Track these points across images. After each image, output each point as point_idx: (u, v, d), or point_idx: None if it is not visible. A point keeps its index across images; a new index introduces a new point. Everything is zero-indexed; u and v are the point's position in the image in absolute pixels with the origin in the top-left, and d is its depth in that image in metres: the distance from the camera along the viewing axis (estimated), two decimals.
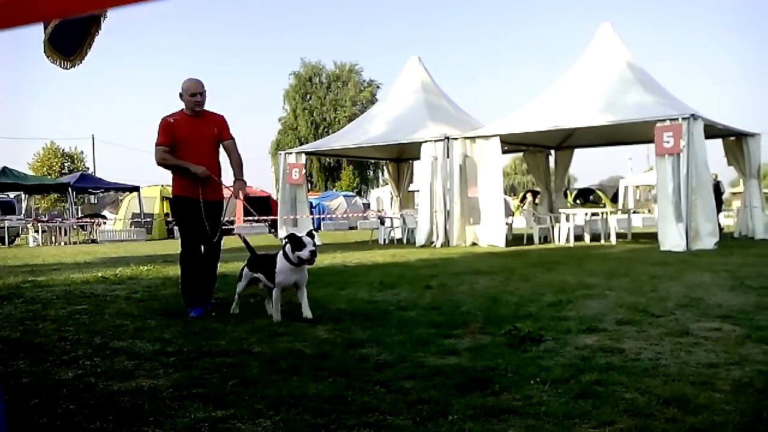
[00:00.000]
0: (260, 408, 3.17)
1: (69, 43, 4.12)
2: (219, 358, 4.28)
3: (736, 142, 16.91)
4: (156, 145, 6.13)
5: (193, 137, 6.15)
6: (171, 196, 6.12)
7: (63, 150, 55.11)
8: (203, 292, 6.27)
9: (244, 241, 6.61)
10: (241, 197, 6.35)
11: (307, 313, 5.60)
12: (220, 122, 6.39)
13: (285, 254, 5.60)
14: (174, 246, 20.33)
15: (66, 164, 54.17)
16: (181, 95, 6.20)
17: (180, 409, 3.19)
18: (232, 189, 6.46)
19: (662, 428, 2.79)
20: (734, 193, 37.71)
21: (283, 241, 5.72)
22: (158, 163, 6.17)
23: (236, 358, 4.28)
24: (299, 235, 5.62)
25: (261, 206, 33.19)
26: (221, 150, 6.46)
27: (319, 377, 3.73)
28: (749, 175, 16.86)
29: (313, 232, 5.95)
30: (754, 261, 10.34)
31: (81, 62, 4.21)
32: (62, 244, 25.11)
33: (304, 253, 5.48)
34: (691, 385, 3.45)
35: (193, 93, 6.14)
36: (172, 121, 6.16)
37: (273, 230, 26.30)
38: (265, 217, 28.28)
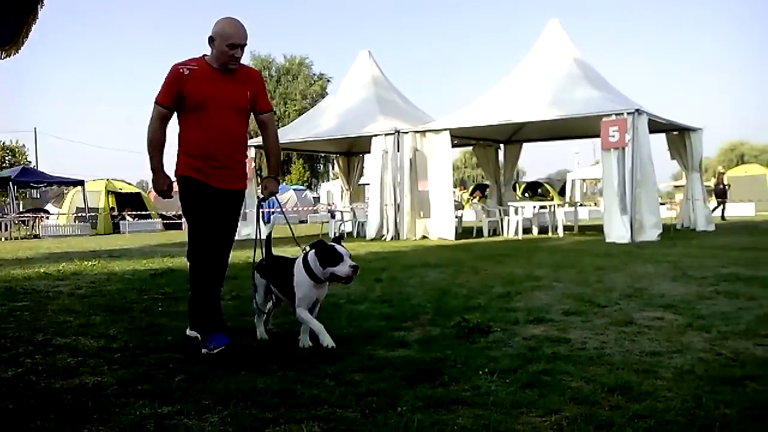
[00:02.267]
0: (207, 403, 3.13)
1: (4, 32, 3.99)
2: (165, 353, 4.21)
3: (678, 136, 17.32)
4: (155, 103, 4.35)
5: (215, 99, 4.29)
6: (176, 177, 4.42)
7: (3, 143, 53.56)
8: (219, 311, 4.43)
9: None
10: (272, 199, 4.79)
11: (305, 340, 4.33)
12: (259, 83, 4.56)
13: (306, 266, 4.23)
14: (119, 240, 19.97)
15: (7, 158, 52.63)
16: (211, 40, 4.27)
17: (125, 406, 3.13)
18: (262, 185, 4.70)
19: (606, 416, 2.84)
20: (676, 186, 38.76)
21: (305, 249, 4.36)
22: (148, 135, 4.38)
23: (183, 353, 4.21)
24: (330, 243, 4.22)
25: None
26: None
27: (268, 371, 3.69)
28: (691, 168, 17.29)
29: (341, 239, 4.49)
30: (696, 252, 10.61)
31: (17, 52, 4.08)
32: (2, 239, 24.39)
33: (343, 270, 4.09)
34: (635, 373, 3.52)
35: (234, 44, 4.23)
36: (185, 72, 4.26)
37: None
38: None
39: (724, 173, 26.63)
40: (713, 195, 25.04)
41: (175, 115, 4.41)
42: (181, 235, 22.76)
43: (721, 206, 24.62)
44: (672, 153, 17.66)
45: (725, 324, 4.74)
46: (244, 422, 2.87)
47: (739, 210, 28.04)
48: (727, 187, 25.33)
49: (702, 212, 17.24)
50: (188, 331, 4.67)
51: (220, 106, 4.30)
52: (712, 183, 27.42)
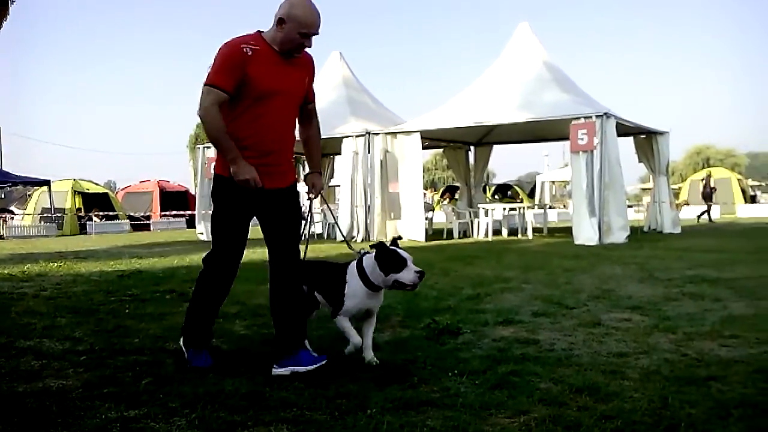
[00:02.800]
0: (175, 406, 3.09)
1: None
2: (132, 356, 4.15)
3: (646, 139, 17.56)
4: (207, 84, 3.64)
5: (279, 88, 3.73)
6: (213, 175, 3.90)
7: None
8: (209, 328, 4.05)
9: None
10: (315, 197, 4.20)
11: (369, 356, 3.87)
12: (312, 69, 4.02)
13: (362, 271, 3.84)
14: (86, 241, 19.70)
15: None
16: (281, 21, 3.65)
17: (90, 409, 3.07)
18: (305, 183, 4.16)
19: (574, 416, 2.86)
20: (644, 189, 39.27)
21: (362, 252, 3.96)
22: (201, 115, 3.67)
23: (151, 356, 4.16)
24: (391, 246, 3.82)
25: (178, 201, 32.55)
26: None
27: (237, 374, 3.66)
28: (658, 171, 17.53)
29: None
30: (663, 254, 10.75)
31: None
32: None
33: (407, 277, 3.70)
34: (602, 374, 3.56)
35: (309, 33, 3.69)
36: (249, 52, 3.63)
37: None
38: (182, 212, 27.65)
39: (711, 176, 26.95)
40: (702, 198, 25.44)
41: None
42: (149, 236, 22.53)
43: (708, 209, 25.02)
44: (639, 156, 17.90)
45: (690, 325, 4.81)
46: (212, 425, 2.84)
47: (687, 213, 28.49)
48: (713, 189, 25.70)
49: (668, 215, 17.49)
50: (277, 370, 3.71)
51: (283, 96, 3.77)
52: (678, 186, 27.86)
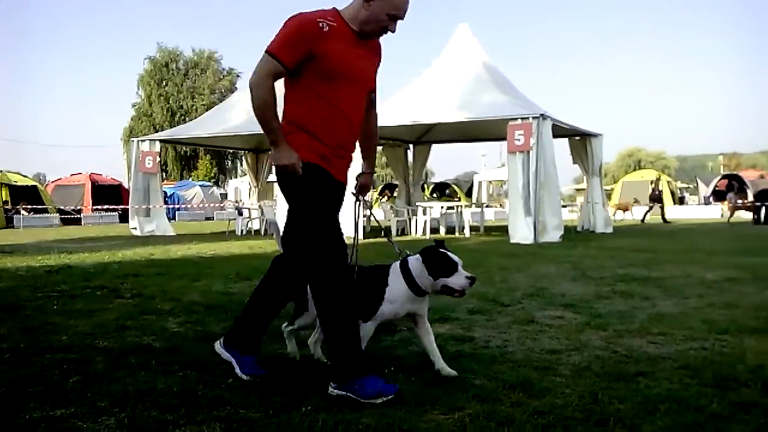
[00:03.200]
0: (104, 405, 3.01)
1: None
2: (60, 354, 4.02)
3: (580, 141, 17.96)
4: (268, 52, 3.27)
5: (355, 70, 3.42)
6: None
7: None
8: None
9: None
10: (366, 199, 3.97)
11: (445, 368, 3.56)
12: (381, 55, 3.69)
13: (407, 274, 3.56)
14: (12, 236, 18.99)
15: None
16: None
17: (14, 409, 2.96)
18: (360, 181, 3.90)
19: (508, 412, 2.90)
20: (578, 190, 40.20)
21: (408, 254, 3.70)
22: (252, 83, 3.29)
23: (79, 353, 4.04)
24: (442, 249, 3.58)
25: (111, 195, 31.75)
26: None
27: (169, 372, 3.59)
28: (592, 173, 17.95)
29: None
30: (595, 253, 11.01)
31: None
32: None
33: (458, 282, 3.48)
34: (536, 370, 3.62)
35: (396, 15, 3.37)
36: (325, 27, 3.28)
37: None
38: (115, 207, 27.00)
39: (659, 179, 28.36)
40: (649, 200, 26.53)
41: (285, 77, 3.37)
42: (80, 231, 21.91)
43: (660, 209, 26.25)
44: (574, 157, 18.31)
45: (621, 322, 4.94)
46: (143, 424, 2.78)
47: (635, 213, 29.34)
48: (661, 192, 26.94)
49: (601, 215, 17.92)
50: (221, 349, 3.68)
51: (357, 80, 3.44)
52: (611, 187, 28.70)
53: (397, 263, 3.63)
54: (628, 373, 3.53)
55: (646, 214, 25.95)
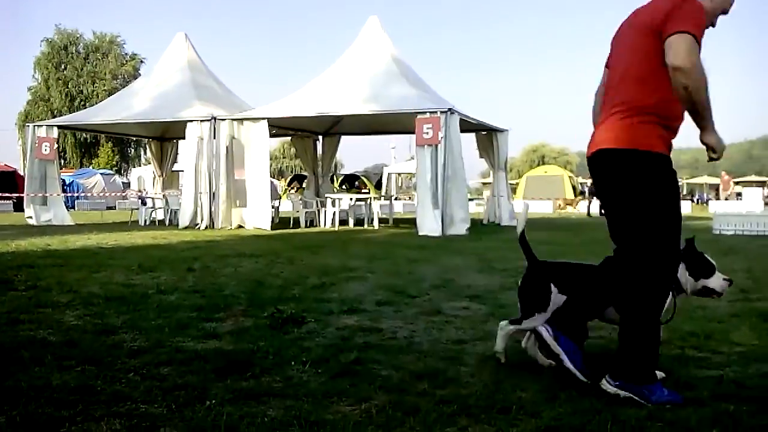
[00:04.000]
0: None
1: None
2: None
3: (487, 136, 18.32)
4: (692, 34, 2.96)
5: None
6: (622, 149, 3.13)
7: None
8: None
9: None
10: None
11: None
12: None
13: None
14: None
15: None
16: None
17: None
18: None
19: (414, 402, 2.93)
20: (484, 183, 41.06)
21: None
22: (689, 67, 2.91)
23: None
24: (699, 250, 3.44)
25: (5, 182, 30.16)
26: None
27: (66, 367, 3.44)
28: (497, 167, 18.36)
29: None
30: (500, 245, 11.25)
31: None
32: None
33: (717, 283, 3.42)
34: (441, 360, 3.67)
35: (727, 11, 3.29)
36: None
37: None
38: (9, 194, 25.69)
39: None
40: (588, 194, 27.59)
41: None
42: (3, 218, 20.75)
43: (589, 203, 27.08)
44: (480, 152, 18.67)
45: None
46: (38, 422, 2.65)
47: (539, 207, 30.23)
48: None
49: (506, 208, 18.35)
50: (611, 386, 3.09)
51: None
52: (516, 181, 29.48)
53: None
54: (530, 362, 3.62)
55: (589, 207, 26.66)
